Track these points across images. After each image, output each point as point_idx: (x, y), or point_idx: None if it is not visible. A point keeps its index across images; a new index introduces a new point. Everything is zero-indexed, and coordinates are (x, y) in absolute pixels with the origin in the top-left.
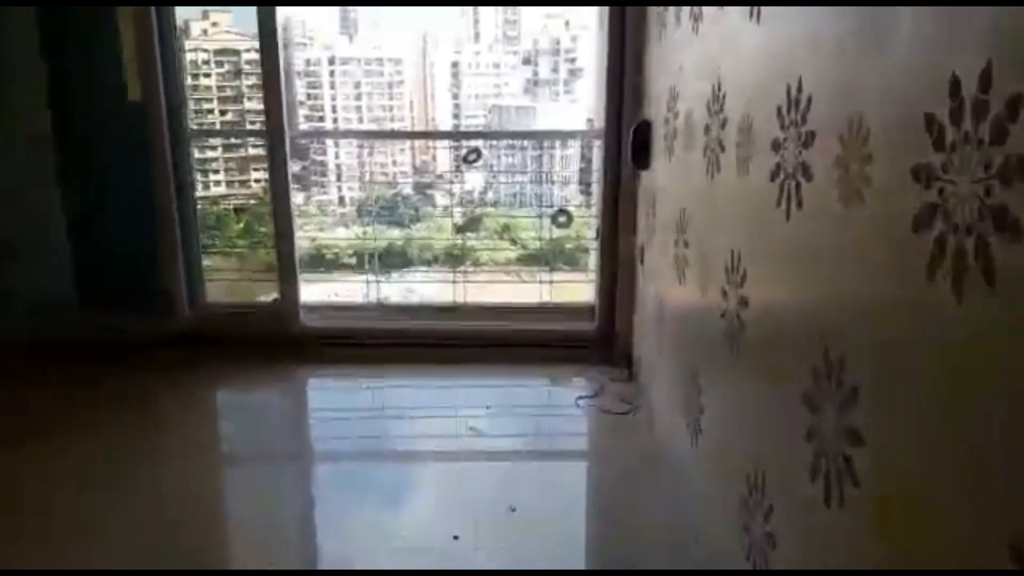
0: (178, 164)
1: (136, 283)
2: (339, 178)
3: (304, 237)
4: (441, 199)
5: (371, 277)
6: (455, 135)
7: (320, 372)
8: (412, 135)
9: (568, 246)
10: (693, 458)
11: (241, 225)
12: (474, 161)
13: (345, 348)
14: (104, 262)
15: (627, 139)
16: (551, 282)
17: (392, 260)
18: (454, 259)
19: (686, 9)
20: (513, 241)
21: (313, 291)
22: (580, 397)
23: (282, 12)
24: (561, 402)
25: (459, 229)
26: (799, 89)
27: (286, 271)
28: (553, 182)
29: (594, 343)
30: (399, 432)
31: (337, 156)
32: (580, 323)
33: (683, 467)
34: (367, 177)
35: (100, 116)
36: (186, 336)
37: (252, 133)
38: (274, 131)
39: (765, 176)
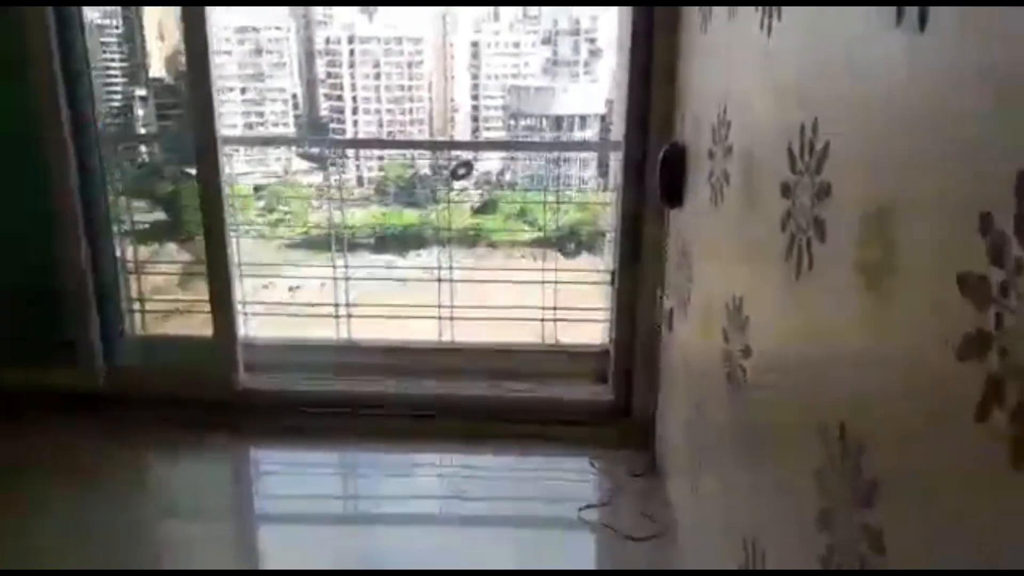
0: (87, 182)
1: (36, 331)
2: (357, 157)
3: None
4: (458, 183)
5: (341, 311)
6: (470, 145)
7: (265, 445)
8: (419, 144)
9: (585, 230)
10: None
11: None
12: (463, 176)
13: (294, 418)
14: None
15: (652, 166)
16: (554, 320)
17: (409, 241)
18: (471, 239)
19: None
20: (529, 223)
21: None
22: (584, 507)
23: None
24: (557, 513)
25: (476, 211)
26: None
27: (222, 316)
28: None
29: (607, 417)
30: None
31: (356, 135)
32: (590, 385)
33: None
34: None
35: None
36: (98, 397)
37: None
38: (203, 138)
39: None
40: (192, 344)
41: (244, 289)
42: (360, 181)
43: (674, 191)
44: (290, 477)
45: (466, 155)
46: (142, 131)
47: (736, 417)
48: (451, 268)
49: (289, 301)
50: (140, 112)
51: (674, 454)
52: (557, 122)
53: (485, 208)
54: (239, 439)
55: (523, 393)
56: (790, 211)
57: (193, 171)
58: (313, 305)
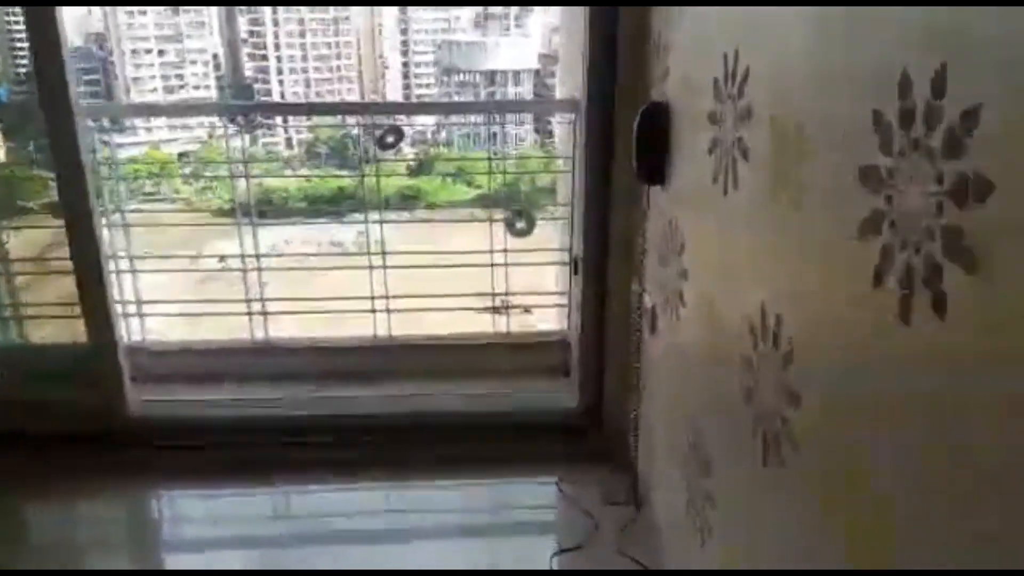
0: None
1: None
2: (285, 120)
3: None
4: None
5: (256, 307)
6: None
7: (164, 484)
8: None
9: (523, 188)
10: None
11: None
12: (393, 145)
13: (196, 452)
14: None
15: (622, 134)
16: (505, 307)
17: (344, 205)
18: (408, 201)
19: None
20: (468, 183)
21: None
22: (556, 552)
23: None
24: (524, 562)
25: (412, 172)
26: None
27: (97, 321)
28: (506, 122)
29: (574, 426)
30: None
31: (283, 96)
32: (549, 381)
33: None
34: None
35: None
36: None
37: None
38: (57, 111)
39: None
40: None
41: (140, 284)
42: (289, 143)
43: (655, 166)
44: (194, 526)
45: (396, 120)
46: None
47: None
48: (383, 254)
49: (192, 298)
50: None
51: (662, 480)
52: (491, 78)
53: (421, 169)
54: (130, 480)
55: (474, 402)
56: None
57: None
58: (215, 302)
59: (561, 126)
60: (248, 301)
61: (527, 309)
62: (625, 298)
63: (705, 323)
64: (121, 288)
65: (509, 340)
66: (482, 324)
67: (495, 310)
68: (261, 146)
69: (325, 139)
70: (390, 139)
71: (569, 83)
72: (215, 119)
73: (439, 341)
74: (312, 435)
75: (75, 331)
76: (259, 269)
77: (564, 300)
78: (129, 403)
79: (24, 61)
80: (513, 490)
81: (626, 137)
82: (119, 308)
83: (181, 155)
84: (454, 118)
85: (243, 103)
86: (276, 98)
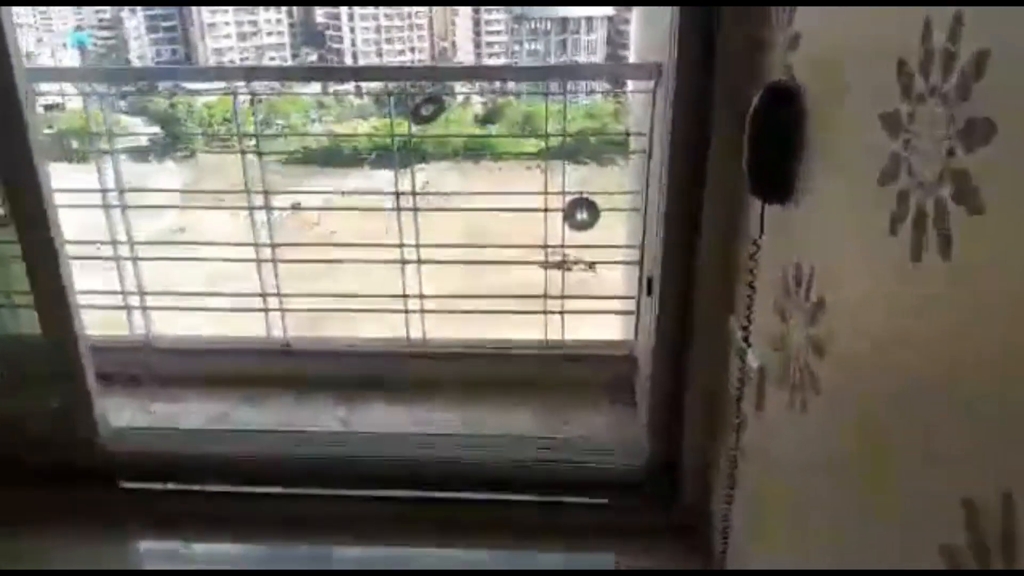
0: None
1: None
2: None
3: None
4: (460, 87)
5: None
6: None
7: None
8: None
9: (592, 139)
10: None
11: None
12: (430, 116)
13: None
14: None
15: (724, 118)
16: (561, 312)
17: (410, 155)
18: (473, 153)
19: None
20: (535, 134)
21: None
22: None
23: None
24: None
25: (480, 120)
26: None
27: (54, 314)
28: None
29: (642, 483)
30: None
31: (354, 44)
32: (615, 421)
33: None
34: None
35: None
36: None
37: None
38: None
39: None
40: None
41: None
42: (359, 91)
43: (776, 175)
44: None
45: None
46: None
47: None
48: (417, 246)
49: (202, 290)
50: None
51: None
52: (562, 24)
53: (488, 118)
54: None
55: (516, 447)
56: None
57: None
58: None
59: (637, 96)
60: (264, 296)
61: (590, 266)
62: (717, 342)
63: (859, 436)
64: (122, 277)
65: (563, 350)
66: (532, 328)
67: (556, 266)
68: (332, 93)
69: (393, 87)
70: (425, 110)
71: (648, 38)
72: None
73: (481, 349)
74: (330, 484)
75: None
76: (274, 261)
77: (631, 306)
78: (97, 425)
79: None
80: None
81: (728, 125)
82: (121, 299)
83: (252, 100)
84: (524, 62)
85: (269, 66)
86: (347, 45)
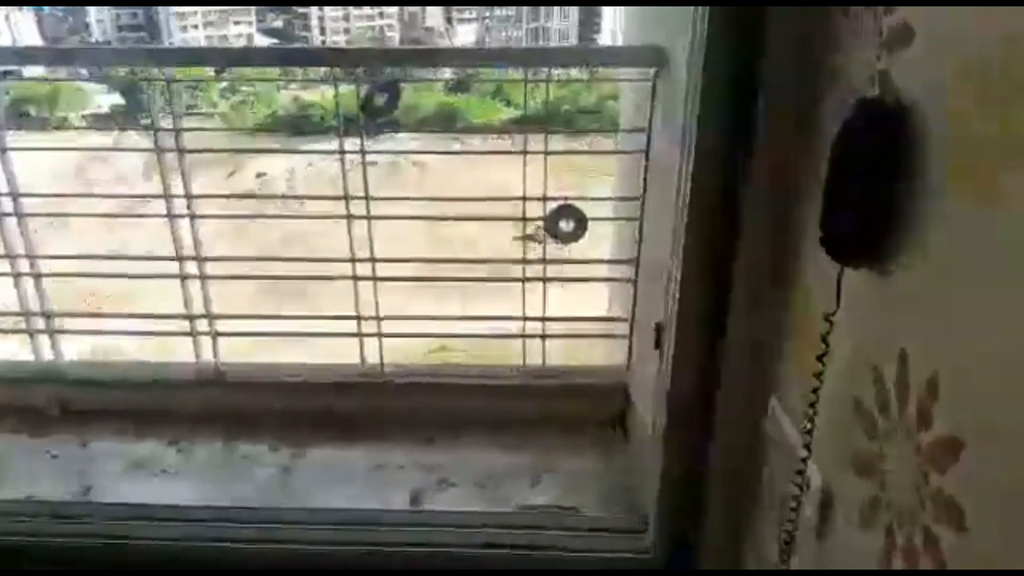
0: None
1: None
2: (323, 32)
3: None
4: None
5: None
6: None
7: None
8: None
9: (564, 108)
10: None
11: None
12: (384, 111)
13: None
14: None
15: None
16: (542, 336)
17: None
18: (445, 120)
19: None
20: (507, 102)
21: None
22: None
23: None
24: None
25: (451, 89)
26: None
27: None
28: (550, 40)
29: None
30: None
31: (321, 8)
32: (606, 473)
33: None
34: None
35: None
36: None
37: None
38: None
39: None
40: None
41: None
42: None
43: (862, 228)
44: None
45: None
46: None
47: None
48: (372, 260)
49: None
50: None
51: None
52: None
53: (459, 87)
54: None
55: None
56: None
57: None
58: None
59: (629, 85)
60: (189, 317)
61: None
62: (750, 430)
63: None
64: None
65: (544, 379)
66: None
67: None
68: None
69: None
70: (381, 100)
71: (643, 13)
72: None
73: (450, 378)
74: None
75: None
76: (202, 278)
77: (622, 329)
78: None
79: None
80: None
81: (776, 140)
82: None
83: (218, 70)
84: (495, 32)
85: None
86: (314, 9)
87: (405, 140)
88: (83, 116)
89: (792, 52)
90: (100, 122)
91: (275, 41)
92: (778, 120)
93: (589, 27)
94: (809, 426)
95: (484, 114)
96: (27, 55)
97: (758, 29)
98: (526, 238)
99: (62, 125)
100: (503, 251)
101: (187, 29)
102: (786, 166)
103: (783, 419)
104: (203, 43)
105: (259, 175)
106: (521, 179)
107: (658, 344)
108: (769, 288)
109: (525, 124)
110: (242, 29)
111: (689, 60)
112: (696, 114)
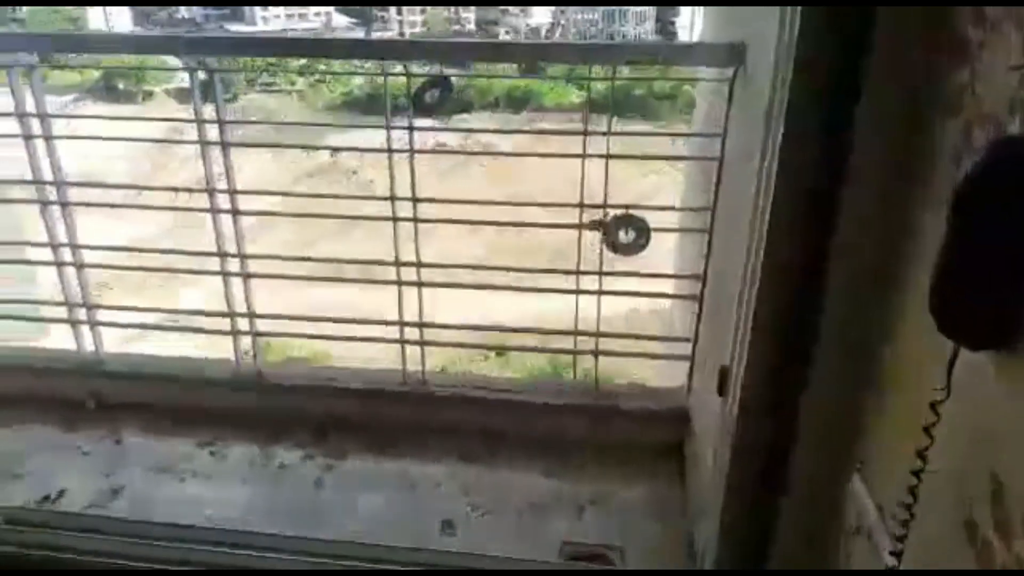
0: None
1: None
2: (399, 12)
3: None
4: (505, 37)
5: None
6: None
7: None
8: None
9: (638, 92)
10: None
11: None
12: (435, 103)
13: None
14: None
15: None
16: (595, 352)
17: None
18: (516, 102)
19: None
20: (579, 86)
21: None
22: None
23: None
24: None
25: (522, 70)
26: None
27: None
28: (627, 21)
29: None
30: None
31: None
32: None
33: None
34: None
35: None
36: None
37: None
38: None
39: None
40: None
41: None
42: (402, 36)
43: (1002, 303)
44: None
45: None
46: None
47: None
48: (417, 265)
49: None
50: None
51: None
52: None
53: (530, 68)
54: None
55: None
56: None
57: None
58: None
59: (705, 85)
60: (230, 315)
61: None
62: (827, 511)
63: None
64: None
65: (595, 399)
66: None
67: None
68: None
69: (438, 33)
70: (430, 96)
71: (725, 11)
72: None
73: (494, 392)
74: None
75: None
76: (243, 274)
77: (686, 349)
78: None
79: None
80: None
81: (873, 165)
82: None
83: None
84: (571, 12)
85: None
86: None
87: (476, 119)
88: (166, 91)
89: (903, 60)
90: (183, 96)
91: (353, 20)
92: (882, 136)
93: (668, 11)
94: (902, 532)
95: (556, 97)
96: (90, 42)
97: (865, 24)
98: (585, 232)
99: (148, 98)
100: (565, 242)
101: (267, 8)
102: (889, 192)
103: (866, 504)
104: (283, 19)
105: (333, 152)
106: (593, 165)
107: (722, 390)
108: (861, 337)
109: (593, 111)
110: (322, 7)
111: (778, 51)
112: (782, 119)
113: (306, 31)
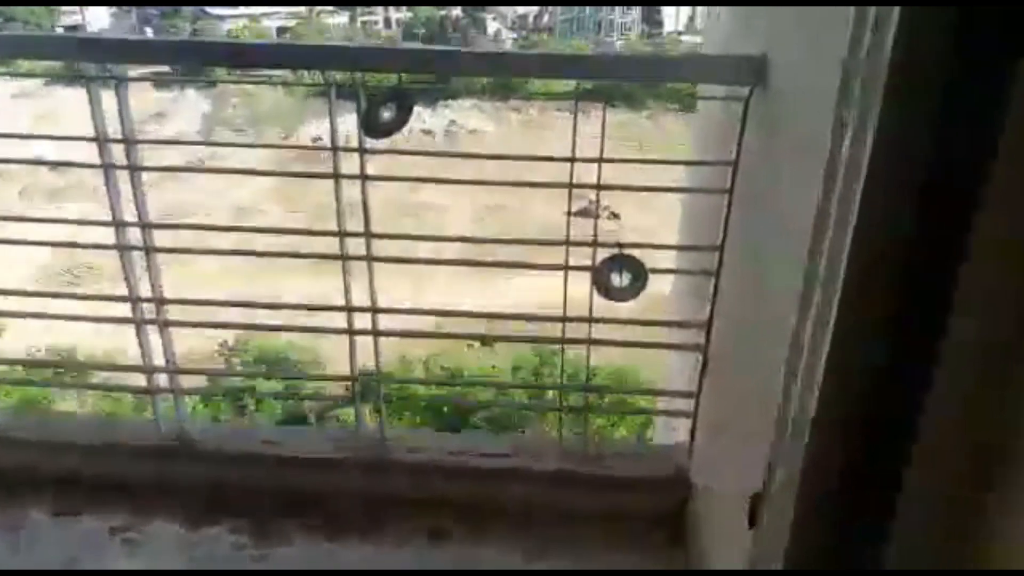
0: None
1: None
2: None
3: None
4: (492, 24)
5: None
6: None
7: None
8: None
9: (626, 87)
10: None
11: None
12: (389, 129)
13: None
14: None
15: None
16: (585, 408)
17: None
18: (502, 89)
19: None
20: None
21: None
22: None
23: None
24: None
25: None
26: None
27: None
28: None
29: None
30: None
31: None
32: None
33: None
34: None
35: None
36: None
37: None
38: None
39: None
40: None
41: None
42: (388, 23)
43: None
44: None
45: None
46: None
47: None
48: (372, 311)
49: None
50: None
51: None
52: None
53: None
54: None
55: None
56: None
57: None
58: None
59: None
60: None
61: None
62: None
63: None
64: None
65: (583, 465)
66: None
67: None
68: (360, 25)
69: (423, 20)
70: (386, 115)
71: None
72: None
73: (467, 458)
74: None
75: None
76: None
77: (684, 404)
78: None
79: None
80: None
81: None
82: None
83: (280, 30)
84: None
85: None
86: None
87: (461, 107)
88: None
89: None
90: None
91: (336, 9)
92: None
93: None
94: None
95: (543, 85)
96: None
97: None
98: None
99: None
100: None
101: None
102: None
103: None
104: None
105: (315, 140)
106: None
107: (752, 521)
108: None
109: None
110: None
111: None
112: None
113: (290, 15)
